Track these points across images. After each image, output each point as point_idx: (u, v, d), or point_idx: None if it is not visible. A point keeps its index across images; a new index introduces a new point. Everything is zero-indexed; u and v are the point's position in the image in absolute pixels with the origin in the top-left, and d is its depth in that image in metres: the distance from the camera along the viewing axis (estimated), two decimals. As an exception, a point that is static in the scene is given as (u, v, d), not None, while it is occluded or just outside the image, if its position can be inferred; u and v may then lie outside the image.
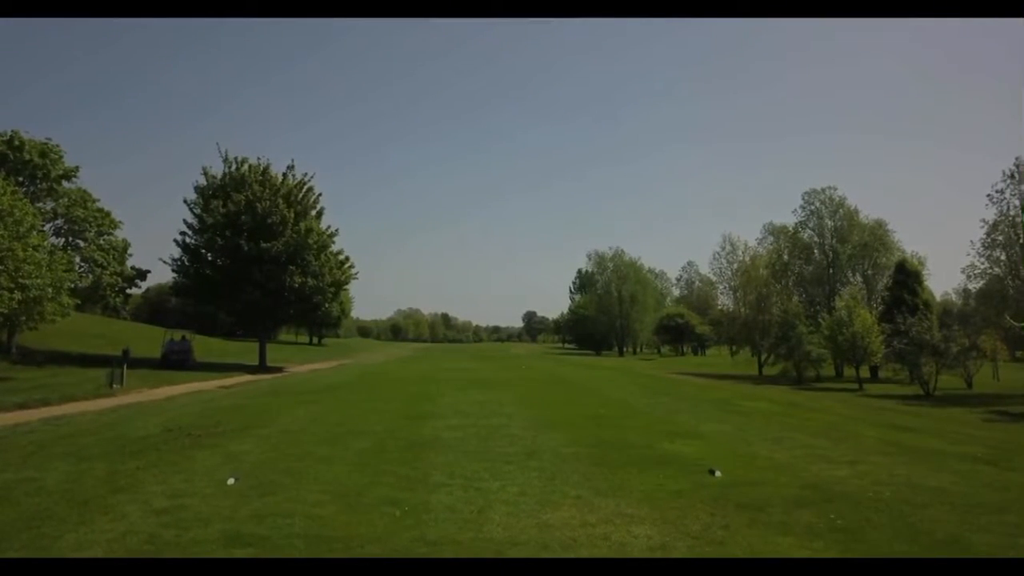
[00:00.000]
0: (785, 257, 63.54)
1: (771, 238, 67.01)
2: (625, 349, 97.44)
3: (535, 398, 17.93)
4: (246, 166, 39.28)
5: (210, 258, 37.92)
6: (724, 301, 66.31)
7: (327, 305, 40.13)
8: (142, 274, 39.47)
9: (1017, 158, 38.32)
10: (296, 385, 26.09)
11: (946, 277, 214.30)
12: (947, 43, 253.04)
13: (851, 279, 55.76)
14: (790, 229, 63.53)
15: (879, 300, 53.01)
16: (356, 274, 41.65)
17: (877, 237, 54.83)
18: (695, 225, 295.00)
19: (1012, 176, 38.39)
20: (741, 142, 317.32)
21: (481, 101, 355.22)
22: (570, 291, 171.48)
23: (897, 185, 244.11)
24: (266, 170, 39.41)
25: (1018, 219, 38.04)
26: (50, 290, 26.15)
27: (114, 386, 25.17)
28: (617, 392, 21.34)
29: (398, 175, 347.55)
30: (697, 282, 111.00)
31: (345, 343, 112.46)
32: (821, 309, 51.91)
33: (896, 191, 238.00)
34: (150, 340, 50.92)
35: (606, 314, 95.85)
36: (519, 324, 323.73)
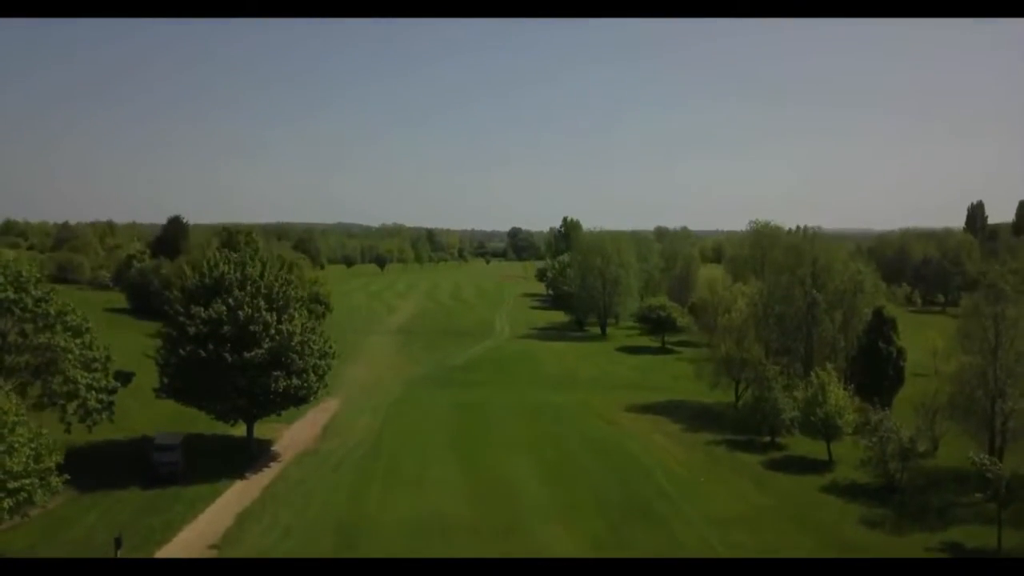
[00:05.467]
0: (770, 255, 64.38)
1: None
2: (607, 326, 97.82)
3: None
4: (227, 266, 38.75)
5: (193, 360, 37.27)
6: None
7: (314, 397, 40.63)
8: (127, 377, 39.38)
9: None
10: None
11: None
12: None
13: (830, 320, 56.15)
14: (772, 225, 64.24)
15: (853, 346, 54.12)
16: (336, 357, 42.31)
17: (856, 283, 55.21)
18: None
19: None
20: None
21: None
22: (555, 238, 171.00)
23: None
24: (244, 267, 38.79)
25: None
26: (38, 482, 26.42)
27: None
28: None
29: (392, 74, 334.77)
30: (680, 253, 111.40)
31: (332, 317, 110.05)
32: (796, 360, 53.17)
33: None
34: (138, 360, 47.68)
35: (588, 292, 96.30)
36: (504, 230, 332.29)
